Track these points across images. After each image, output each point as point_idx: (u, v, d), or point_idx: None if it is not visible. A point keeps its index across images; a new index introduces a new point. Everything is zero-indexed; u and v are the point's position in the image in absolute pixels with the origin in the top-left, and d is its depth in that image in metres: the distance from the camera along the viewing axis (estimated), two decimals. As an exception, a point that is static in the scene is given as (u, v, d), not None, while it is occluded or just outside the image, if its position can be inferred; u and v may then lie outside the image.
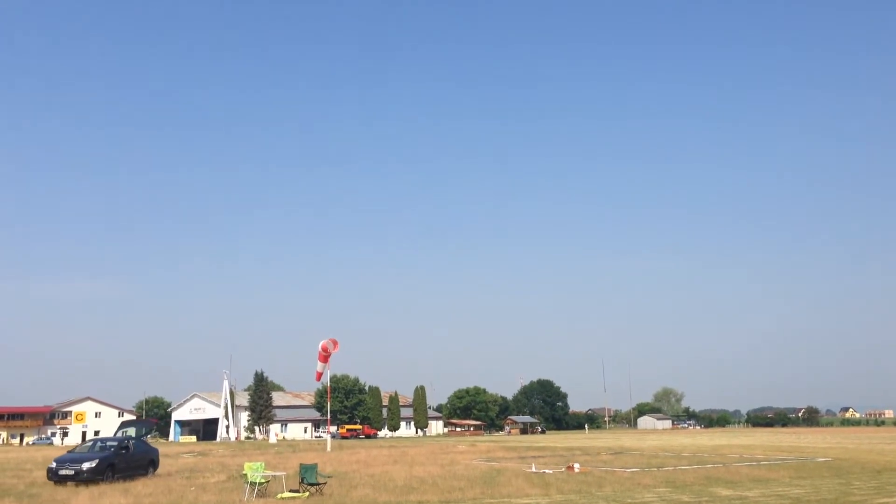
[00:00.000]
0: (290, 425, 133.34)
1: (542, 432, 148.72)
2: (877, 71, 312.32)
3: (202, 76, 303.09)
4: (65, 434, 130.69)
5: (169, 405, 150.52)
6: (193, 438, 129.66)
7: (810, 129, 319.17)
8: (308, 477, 23.62)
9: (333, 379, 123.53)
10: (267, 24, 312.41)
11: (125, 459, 30.70)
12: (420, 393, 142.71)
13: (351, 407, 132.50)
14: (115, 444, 31.38)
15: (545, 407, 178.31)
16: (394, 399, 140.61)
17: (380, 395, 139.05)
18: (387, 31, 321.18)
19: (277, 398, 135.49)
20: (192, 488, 25.74)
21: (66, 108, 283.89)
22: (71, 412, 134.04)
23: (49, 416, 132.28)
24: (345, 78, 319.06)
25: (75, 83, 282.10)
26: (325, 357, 63.26)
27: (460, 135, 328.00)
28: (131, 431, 37.40)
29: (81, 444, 33.49)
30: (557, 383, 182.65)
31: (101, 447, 30.88)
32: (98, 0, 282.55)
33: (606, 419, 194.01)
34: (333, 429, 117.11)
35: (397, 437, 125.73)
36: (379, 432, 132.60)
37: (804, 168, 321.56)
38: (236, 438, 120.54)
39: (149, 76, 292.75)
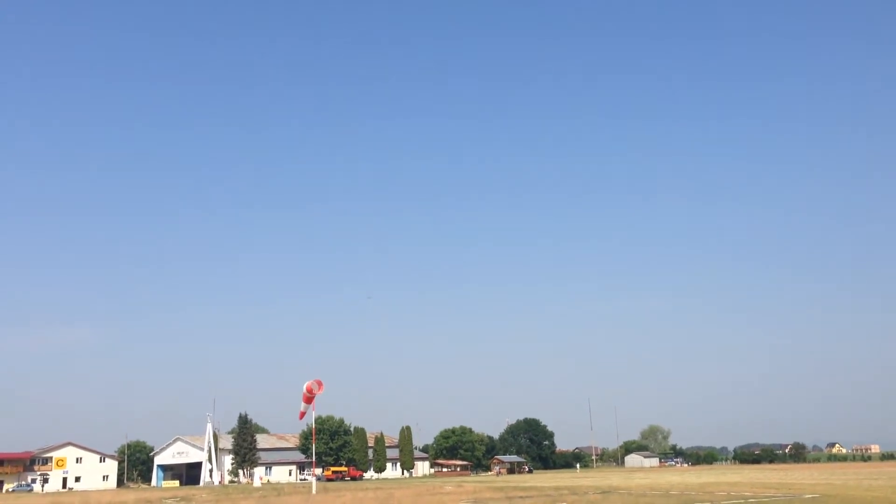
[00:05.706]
0: (274, 468, 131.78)
1: (530, 472, 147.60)
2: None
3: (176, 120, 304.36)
4: (45, 480, 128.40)
5: (151, 449, 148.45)
6: (176, 483, 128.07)
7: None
8: (292, 520, 23.52)
9: (318, 420, 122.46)
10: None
11: None
12: (406, 433, 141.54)
13: (336, 448, 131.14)
14: None
15: (532, 446, 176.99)
16: (379, 440, 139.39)
17: (365, 436, 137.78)
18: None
19: (262, 441, 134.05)
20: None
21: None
22: (52, 458, 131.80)
23: (29, 462, 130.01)
24: (315, 122, 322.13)
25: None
26: (309, 398, 62.90)
27: (449, 176, 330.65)
28: None
29: None
30: (544, 422, 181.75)
31: None
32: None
33: (594, 457, 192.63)
34: (318, 471, 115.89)
35: (383, 479, 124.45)
36: (364, 474, 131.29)
37: (792, 209, 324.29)
38: (220, 482, 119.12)
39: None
